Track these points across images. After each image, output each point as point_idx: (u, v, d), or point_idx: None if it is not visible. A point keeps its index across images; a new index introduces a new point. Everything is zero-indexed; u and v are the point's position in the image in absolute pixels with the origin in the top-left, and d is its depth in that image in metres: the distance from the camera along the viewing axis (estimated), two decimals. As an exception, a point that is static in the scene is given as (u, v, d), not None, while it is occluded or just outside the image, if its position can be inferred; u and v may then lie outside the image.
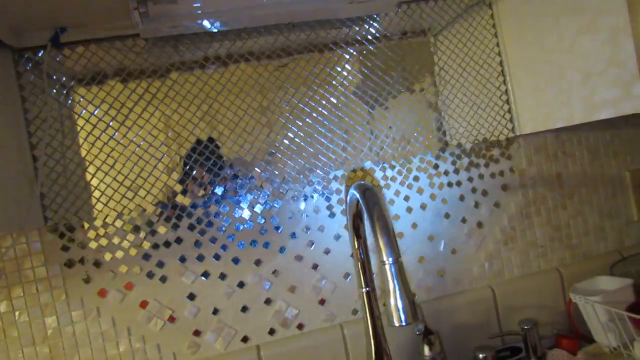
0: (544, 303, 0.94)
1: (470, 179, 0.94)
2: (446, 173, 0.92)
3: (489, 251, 0.94)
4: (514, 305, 0.92)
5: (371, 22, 0.90)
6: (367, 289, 0.79)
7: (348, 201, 0.76)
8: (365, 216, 0.64)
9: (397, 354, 0.85)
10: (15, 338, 0.76)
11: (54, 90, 0.78)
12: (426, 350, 0.80)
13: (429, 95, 0.93)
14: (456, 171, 0.93)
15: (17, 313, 0.76)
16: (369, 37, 0.90)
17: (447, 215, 0.92)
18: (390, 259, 0.61)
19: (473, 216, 0.93)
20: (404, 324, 0.60)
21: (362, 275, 0.79)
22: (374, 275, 0.86)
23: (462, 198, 0.93)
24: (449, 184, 0.92)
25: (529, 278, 0.95)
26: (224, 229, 0.83)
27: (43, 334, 0.76)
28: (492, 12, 0.97)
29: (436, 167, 0.92)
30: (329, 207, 0.87)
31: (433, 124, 0.92)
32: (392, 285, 0.60)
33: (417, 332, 0.80)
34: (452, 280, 0.92)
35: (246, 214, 0.84)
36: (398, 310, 0.60)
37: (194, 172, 0.82)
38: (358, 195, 0.68)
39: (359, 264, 0.79)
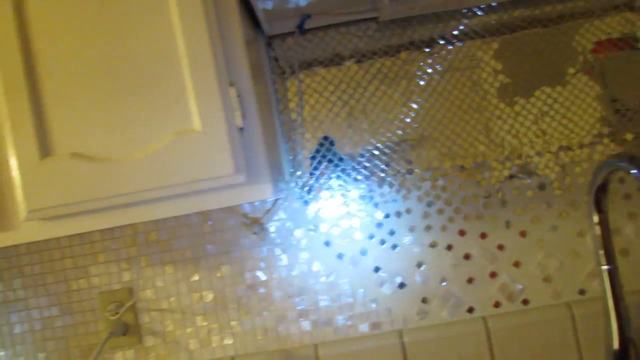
0: None
1: None
2: (681, 152, 0.86)
3: None
4: None
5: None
6: (609, 267, 0.76)
7: (593, 174, 0.74)
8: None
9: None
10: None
11: (299, 72, 0.87)
12: (673, 336, 0.75)
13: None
14: (692, 151, 0.86)
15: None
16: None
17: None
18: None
19: None
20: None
21: (603, 253, 0.76)
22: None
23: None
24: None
25: None
26: (451, 201, 0.85)
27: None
28: None
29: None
30: (546, 185, 0.85)
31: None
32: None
33: (672, 315, 0.75)
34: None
35: (475, 188, 0.85)
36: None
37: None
38: (626, 165, 0.66)
39: (600, 240, 0.77)
